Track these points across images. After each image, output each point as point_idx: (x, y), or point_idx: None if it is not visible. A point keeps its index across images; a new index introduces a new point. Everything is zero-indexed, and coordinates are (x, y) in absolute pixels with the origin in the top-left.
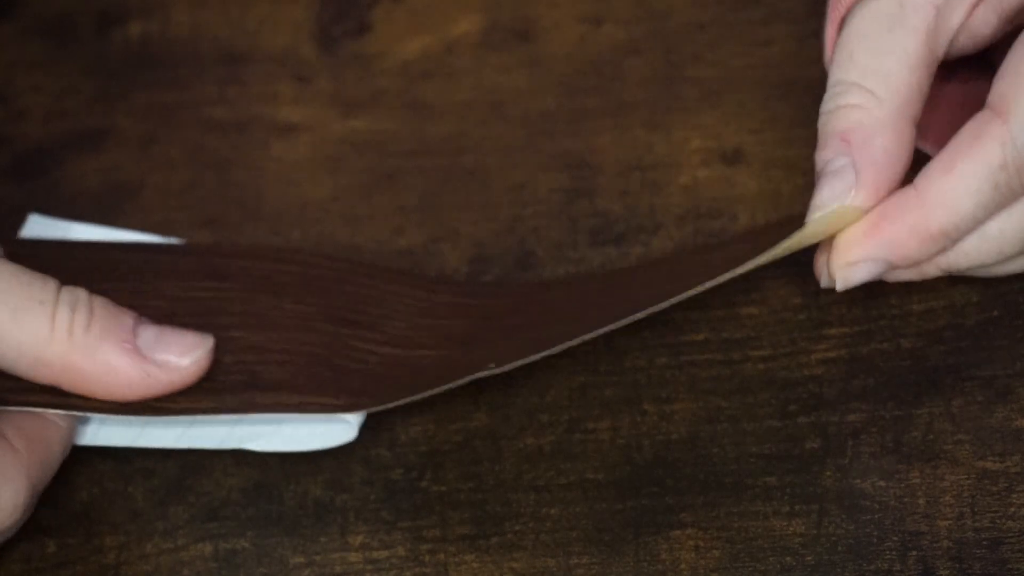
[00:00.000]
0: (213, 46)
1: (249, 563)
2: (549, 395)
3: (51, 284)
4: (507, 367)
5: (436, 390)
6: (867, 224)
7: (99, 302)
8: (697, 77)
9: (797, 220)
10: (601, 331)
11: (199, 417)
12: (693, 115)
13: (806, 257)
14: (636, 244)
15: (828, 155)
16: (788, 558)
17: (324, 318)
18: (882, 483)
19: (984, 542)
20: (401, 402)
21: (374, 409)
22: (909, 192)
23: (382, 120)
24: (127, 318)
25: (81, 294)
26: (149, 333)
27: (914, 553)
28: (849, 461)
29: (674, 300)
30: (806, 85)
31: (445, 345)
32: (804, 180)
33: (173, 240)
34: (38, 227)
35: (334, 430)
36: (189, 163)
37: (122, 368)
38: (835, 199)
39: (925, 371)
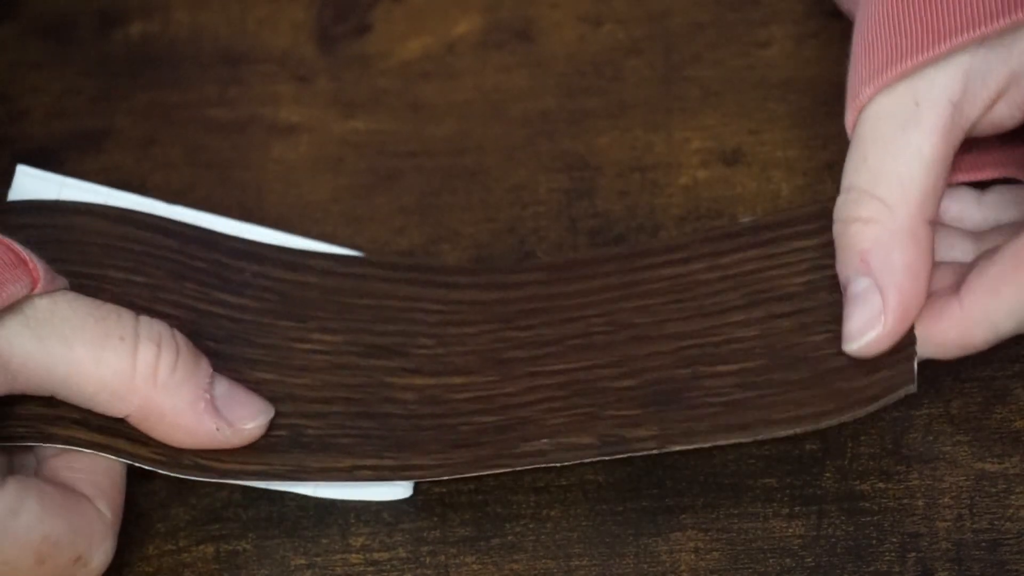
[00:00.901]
0: (213, 46)
1: (251, 565)
2: None
3: (127, 317)
4: (565, 462)
5: (485, 471)
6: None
7: (182, 341)
8: (697, 77)
9: (802, 218)
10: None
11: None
12: (693, 116)
13: None
14: (636, 245)
15: (849, 273)
16: (788, 560)
17: (351, 347)
18: (881, 484)
19: (983, 544)
20: (452, 476)
21: (424, 480)
22: (954, 307)
23: (382, 120)
24: (206, 364)
25: (163, 329)
26: (222, 387)
27: (913, 555)
28: (848, 462)
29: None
30: (805, 85)
31: (476, 366)
32: (803, 180)
33: (174, 208)
34: (28, 181)
35: (387, 488)
36: (190, 163)
37: (195, 417)
38: (867, 327)
39: (924, 372)
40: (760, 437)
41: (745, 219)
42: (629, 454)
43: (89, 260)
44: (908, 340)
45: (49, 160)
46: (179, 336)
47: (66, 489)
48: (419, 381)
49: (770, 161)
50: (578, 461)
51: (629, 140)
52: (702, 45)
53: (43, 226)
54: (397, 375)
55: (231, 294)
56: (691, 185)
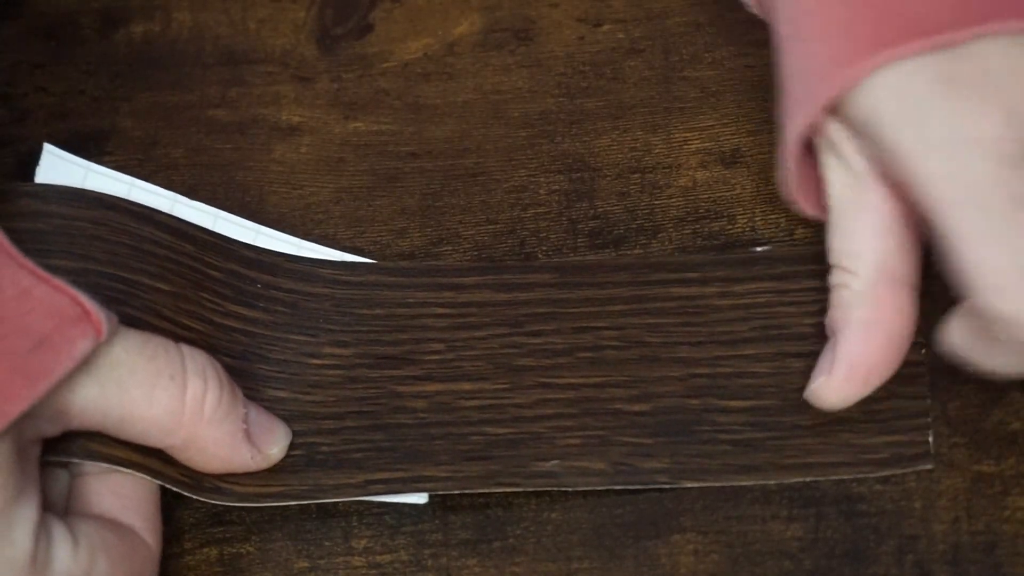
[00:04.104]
0: (214, 47)
1: (254, 568)
2: None
3: (173, 352)
4: (576, 487)
5: (495, 488)
6: None
7: (222, 372)
8: (695, 77)
9: (816, 256)
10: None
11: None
12: (691, 116)
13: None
14: (635, 246)
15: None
16: (786, 562)
17: (362, 359)
18: (879, 487)
19: (979, 546)
20: (462, 491)
21: (436, 491)
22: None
23: (383, 121)
24: (240, 393)
25: (206, 361)
26: (252, 414)
27: (910, 557)
28: None
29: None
30: None
31: (485, 373)
32: None
33: (193, 207)
34: (56, 162)
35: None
36: (191, 164)
37: (234, 447)
38: (818, 373)
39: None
40: (770, 481)
41: (760, 248)
42: (640, 486)
43: (120, 263)
44: (922, 410)
45: None
46: (218, 367)
47: (120, 529)
48: (429, 388)
49: (768, 162)
50: (590, 488)
51: (628, 141)
52: (701, 45)
53: (72, 218)
54: (407, 383)
55: (244, 306)
56: (690, 186)
